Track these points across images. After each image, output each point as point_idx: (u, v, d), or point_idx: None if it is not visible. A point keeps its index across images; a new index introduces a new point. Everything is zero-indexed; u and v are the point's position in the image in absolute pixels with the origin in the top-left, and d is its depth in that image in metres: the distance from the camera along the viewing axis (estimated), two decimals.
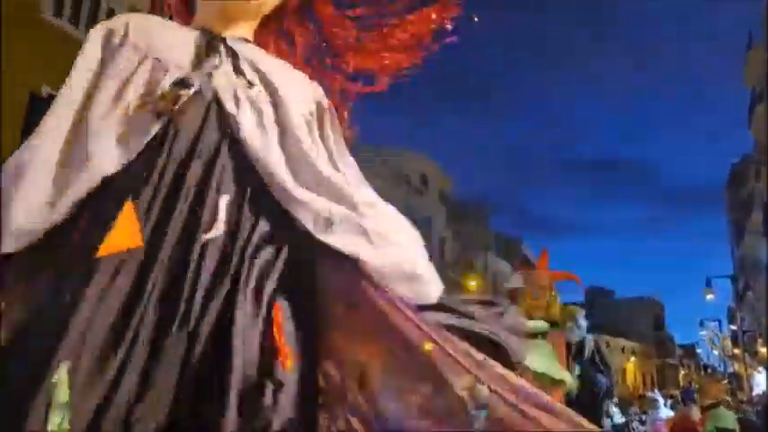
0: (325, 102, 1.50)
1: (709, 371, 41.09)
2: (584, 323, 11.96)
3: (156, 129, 1.23)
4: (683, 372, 60.72)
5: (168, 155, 1.22)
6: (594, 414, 10.20)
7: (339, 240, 1.21)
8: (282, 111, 1.35)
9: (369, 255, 1.22)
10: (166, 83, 1.27)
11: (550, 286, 5.26)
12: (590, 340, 7.88)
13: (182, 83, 1.28)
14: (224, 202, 1.21)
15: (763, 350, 25.48)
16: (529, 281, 5.27)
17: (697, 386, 7.19)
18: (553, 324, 5.06)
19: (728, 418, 6.17)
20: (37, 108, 12.58)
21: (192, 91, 1.27)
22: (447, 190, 32.14)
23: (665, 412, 13.21)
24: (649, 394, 18.07)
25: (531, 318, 5.15)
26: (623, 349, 61.82)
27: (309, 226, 1.22)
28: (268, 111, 1.34)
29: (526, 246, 48.06)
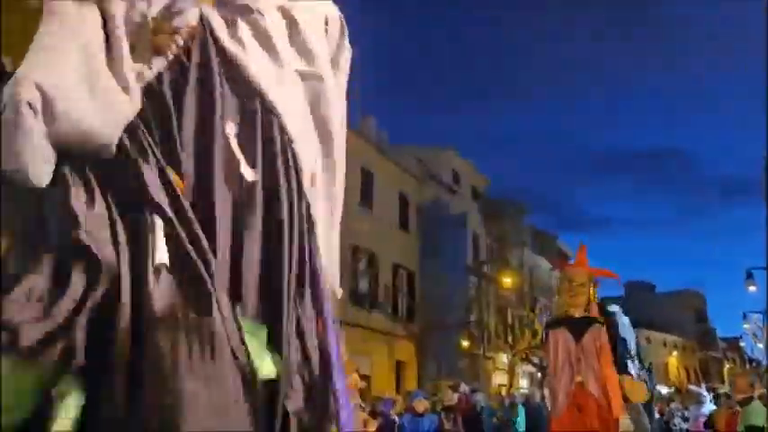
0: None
1: (754, 364, 40.06)
2: (625, 320, 11.81)
3: (160, 66, 1.20)
4: (727, 365, 59.28)
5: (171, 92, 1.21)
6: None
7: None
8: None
9: None
10: (153, 11, 1.22)
11: (590, 282, 5.20)
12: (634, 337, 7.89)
13: (170, 12, 1.22)
14: (231, 129, 1.24)
15: None
16: (566, 277, 5.23)
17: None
18: (593, 321, 5.02)
19: (760, 413, 6.07)
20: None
21: (186, 20, 1.23)
22: (480, 186, 31.95)
23: (709, 407, 12.95)
24: (693, 388, 17.67)
25: (567, 313, 5.16)
26: (665, 343, 60.70)
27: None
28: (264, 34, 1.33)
29: (562, 241, 47.59)
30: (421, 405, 8.19)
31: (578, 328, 5.09)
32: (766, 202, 40.34)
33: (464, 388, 12.49)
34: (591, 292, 5.26)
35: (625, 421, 4.78)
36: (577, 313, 5.17)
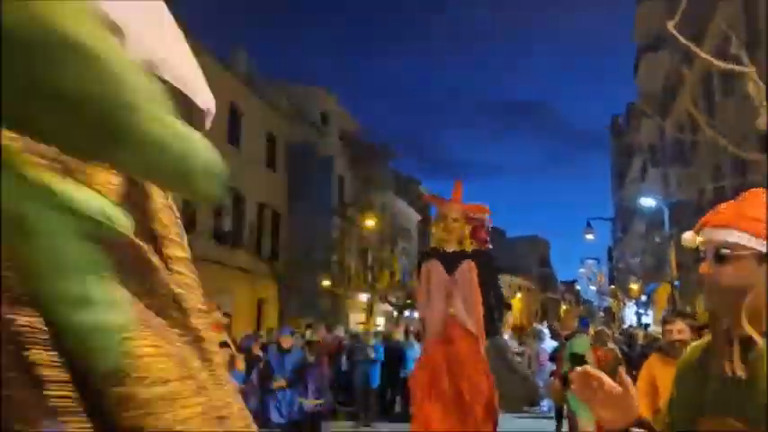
0: None
1: (586, 305, 44.27)
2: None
3: None
4: (564, 306, 65.10)
5: None
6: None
7: None
8: None
9: None
10: None
11: (464, 219, 5.29)
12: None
13: None
14: None
15: (634, 287, 27.77)
16: (441, 213, 5.33)
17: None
18: (466, 255, 5.10)
19: (581, 344, 6.97)
20: None
21: None
22: (349, 129, 32.11)
23: (549, 343, 14.27)
24: (537, 326, 19.35)
25: (441, 247, 5.22)
26: (510, 285, 65.34)
27: None
28: None
29: (426, 187, 49.23)
30: (287, 341, 8.33)
31: (451, 261, 5.15)
32: (611, 159, 44.10)
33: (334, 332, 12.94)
34: (466, 228, 5.30)
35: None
36: (450, 248, 5.22)
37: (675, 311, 8.06)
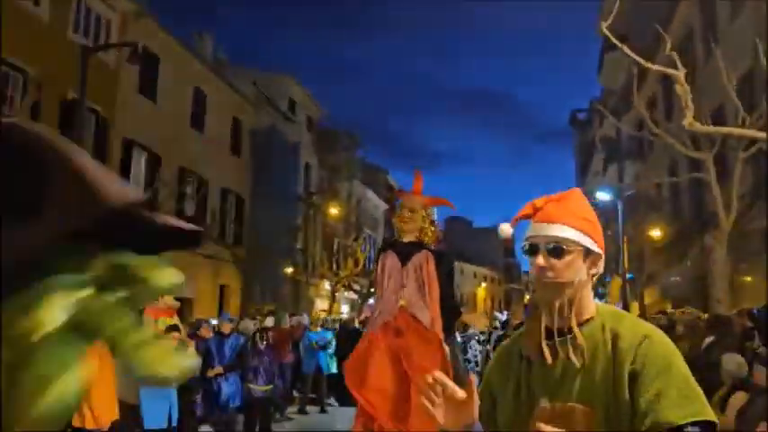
0: None
1: None
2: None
3: None
4: (527, 296, 65.98)
5: None
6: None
7: None
8: None
9: None
10: None
11: (424, 210, 5.20)
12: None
13: None
14: None
15: None
16: (401, 204, 5.26)
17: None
18: (422, 247, 5.04)
19: None
20: None
21: None
22: (316, 116, 32.05)
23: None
24: (497, 314, 19.77)
25: (399, 238, 5.15)
26: (475, 275, 66.05)
27: None
28: None
29: (392, 176, 49.37)
30: (226, 326, 8.33)
31: (406, 252, 5.08)
32: (574, 153, 44.72)
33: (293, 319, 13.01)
34: (425, 218, 5.20)
35: (444, 346, 4.89)
36: (407, 239, 5.15)
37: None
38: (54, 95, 13.99)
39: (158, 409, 6.35)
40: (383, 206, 44.36)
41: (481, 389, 1.61)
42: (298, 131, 28.86)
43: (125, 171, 17.56)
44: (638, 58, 8.45)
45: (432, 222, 5.25)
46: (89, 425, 5.62)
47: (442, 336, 4.84)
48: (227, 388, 7.87)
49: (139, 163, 18.24)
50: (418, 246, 5.08)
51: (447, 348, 4.81)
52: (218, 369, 7.79)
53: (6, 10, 13.10)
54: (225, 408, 7.90)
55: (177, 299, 18.97)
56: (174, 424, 6.59)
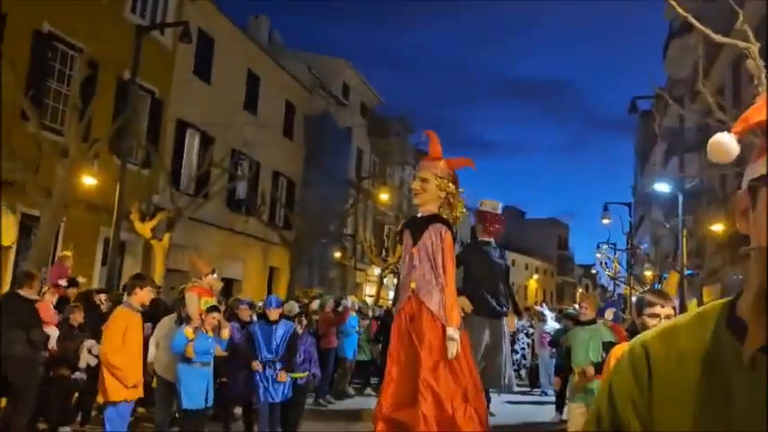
0: None
1: (600, 290, 43.86)
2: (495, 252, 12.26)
3: None
4: (580, 290, 64.75)
5: None
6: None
7: None
8: None
9: None
10: None
11: (440, 178, 4.55)
12: None
13: None
14: None
15: (648, 273, 27.47)
16: (414, 174, 4.71)
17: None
18: (435, 220, 4.50)
19: (608, 332, 6.62)
20: (39, 44, 12.75)
21: None
22: (369, 102, 31.89)
23: (551, 324, 14.20)
24: (537, 307, 19.31)
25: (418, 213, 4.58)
26: (527, 266, 65.02)
27: None
28: None
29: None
30: (275, 312, 7.28)
31: (418, 228, 4.53)
32: (635, 143, 43.32)
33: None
34: (446, 190, 4.55)
35: (450, 331, 4.32)
36: (422, 212, 4.61)
37: (654, 290, 7.39)
38: (111, 75, 14.20)
39: (196, 389, 6.31)
40: None
41: (606, 396, 0.96)
42: (351, 117, 28.76)
43: (178, 152, 17.78)
44: (709, 32, 7.88)
45: (453, 192, 4.59)
46: (114, 397, 5.64)
47: (454, 323, 4.33)
48: (268, 380, 6.97)
49: (193, 144, 18.44)
50: (431, 220, 4.51)
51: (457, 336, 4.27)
52: (257, 365, 6.92)
53: None
54: (265, 401, 7.03)
55: (226, 279, 19.24)
56: (210, 404, 6.54)
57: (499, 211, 13.06)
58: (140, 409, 8.40)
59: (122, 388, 5.64)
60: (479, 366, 11.31)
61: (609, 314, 8.58)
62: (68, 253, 10.24)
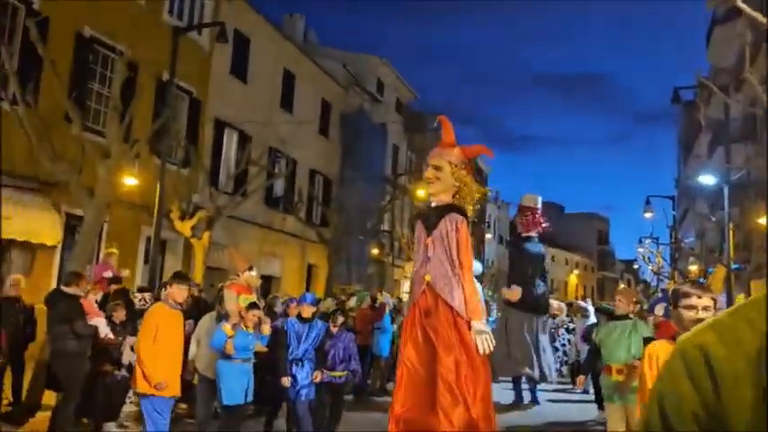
0: None
1: (643, 286, 43.06)
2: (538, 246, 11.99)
3: None
4: (621, 285, 63.60)
5: None
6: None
7: None
8: None
9: None
10: None
11: (455, 166, 4.31)
12: None
13: None
14: None
15: (693, 267, 26.81)
16: (427, 162, 4.49)
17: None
18: (450, 209, 4.28)
19: (647, 328, 6.39)
20: (81, 47, 13.13)
21: None
22: (405, 98, 31.80)
23: (594, 320, 13.95)
24: (581, 302, 19.00)
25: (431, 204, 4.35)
26: (567, 261, 64.17)
27: None
28: None
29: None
30: (308, 310, 6.97)
31: (431, 219, 4.32)
32: (678, 135, 42.31)
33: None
34: (462, 178, 4.34)
35: (478, 325, 4.15)
36: (436, 202, 4.40)
37: (691, 281, 7.01)
38: (150, 76, 14.43)
39: (236, 385, 6.35)
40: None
41: (657, 410, 0.81)
42: (386, 113, 28.73)
43: (216, 151, 17.99)
44: (758, 16, 7.59)
45: (470, 181, 4.38)
46: (140, 388, 5.73)
47: (479, 316, 4.17)
48: (304, 380, 6.75)
49: (230, 143, 18.64)
50: (446, 210, 4.30)
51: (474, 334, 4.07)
52: (286, 381, 6.63)
53: None
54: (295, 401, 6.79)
55: (264, 276, 19.38)
56: (250, 400, 6.58)
57: (538, 205, 12.99)
58: (182, 405, 8.52)
59: (146, 381, 5.67)
60: (515, 354, 11.33)
61: (659, 309, 8.31)
62: (114, 250, 10.44)
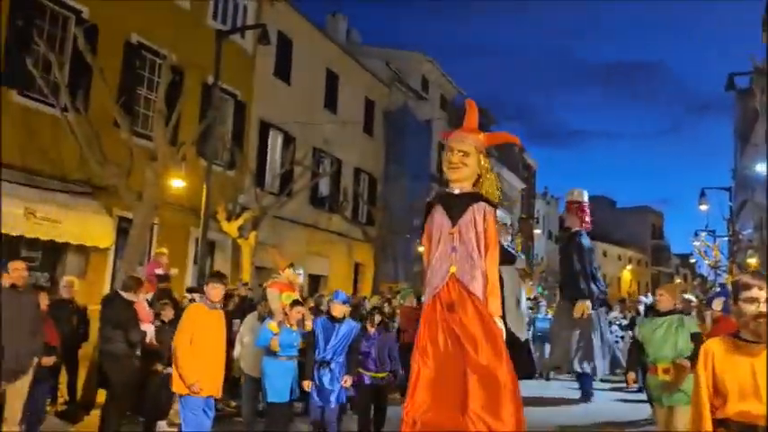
0: None
1: (700, 280, 41.74)
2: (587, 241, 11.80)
3: None
4: (677, 280, 61.84)
5: None
6: None
7: None
8: None
9: None
10: None
11: (479, 152, 4.12)
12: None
13: None
14: None
15: (752, 260, 25.84)
16: (447, 145, 4.29)
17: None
18: (477, 198, 4.08)
19: (694, 324, 6.09)
20: (129, 54, 13.57)
21: None
22: (449, 94, 31.58)
23: None
24: (641, 298, 18.56)
25: (448, 190, 4.22)
26: (620, 257, 62.77)
27: None
28: None
29: (529, 154, 47.85)
30: (339, 309, 6.60)
31: (456, 207, 4.07)
32: (734, 123, 40.85)
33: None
34: (484, 165, 4.15)
35: (498, 322, 3.97)
36: (459, 189, 4.17)
37: (751, 272, 6.66)
38: (196, 80, 14.68)
39: (281, 382, 6.37)
40: (520, 185, 43.16)
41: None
42: (430, 110, 28.59)
43: (262, 152, 18.19)
44: None
45: (488, 168, 4.18)
46: (175, 388, 5.79)
47: (497, 312, 3.94)
48: (330, 384, 6.38)
49: (275, 144, 18.82)
50: (473, 198, 4.09)
51: (501, 325, 3.90)
52: (308, 385, 6.40)
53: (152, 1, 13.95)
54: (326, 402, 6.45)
55: (312, 276, 19.45)
56: (295, 397, 6.60)
57: (585, 199, 12.82)
58: (232, 404, 8.62)
59: (182, 382, 5.64)
60: (565, 348, 11.20)
61: (717, 304, 7.94)
62: (164, 250, 10.65)
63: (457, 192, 4.13)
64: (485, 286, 3.94)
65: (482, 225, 3.99)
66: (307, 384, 6.41)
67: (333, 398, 6.42)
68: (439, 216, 4.11)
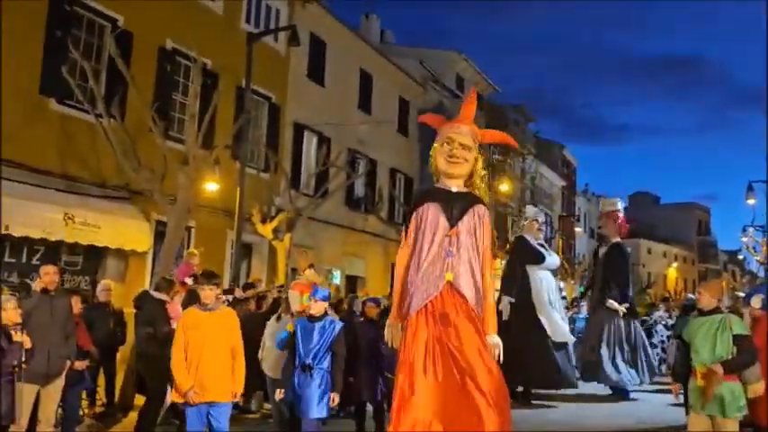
0: None
1: (749, 277, 40.44)
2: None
3: None
4: (725, 277, 60.04)
5: None
6: None
7: None
8: None
9: None
10: None
11: (477, 147, 3.84)
12: None
13: None
14: None
15: None
16: (444, 136, 3.92)
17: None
18: (477, 199, 3.81)
19: (741, 324, 5.75)
20: (164, 60, 13.80)
21: None
22: (485, 92, 31.28)
23: None
24: (690, 296, 18.05)
25: (443, 185, 3.89)
26: (665, 254, 61.32)
27: None
28: None
29: (569, 152, 47.08)
30: (317, 306, 5.80)
31: (455, 206, 3.71)
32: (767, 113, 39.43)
33: None
34: (479, 162, 3.84)
35: (494, 338, 3.65)
36: (456, 187, 3.82)
37: None
38: (230, 83, 14.81)
39: None
40: (559, 183, 42.53)
41: None
42: None
43: (296, 154, 18.26)
44: None
45: (480, 167, 3.87)
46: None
47: (493, 329, 3.63)
48: (314, 393, 5.54)
49: (310, 146, 18.87)
50: (473, 199, 3.76)
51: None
52: (280, 394, 5.72)
53: (184, 5, 14.11)
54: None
55: (349, 277, 19.45)
56: None
57: (619, 207, 12.71)
58: (267, 406, 8.63)
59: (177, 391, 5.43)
60: (600, 355, 11.09)
61: (756, 301, 7.55)
62: (195, 251, 10.71)
63: (455, 189, 3.80)
64: (483, 299, 3.63)
65: (481, 230, 3.70)
66: (279, 393, 5.76)
67: (313, 408, 5.54)
68: (434, 214, 3.72)
